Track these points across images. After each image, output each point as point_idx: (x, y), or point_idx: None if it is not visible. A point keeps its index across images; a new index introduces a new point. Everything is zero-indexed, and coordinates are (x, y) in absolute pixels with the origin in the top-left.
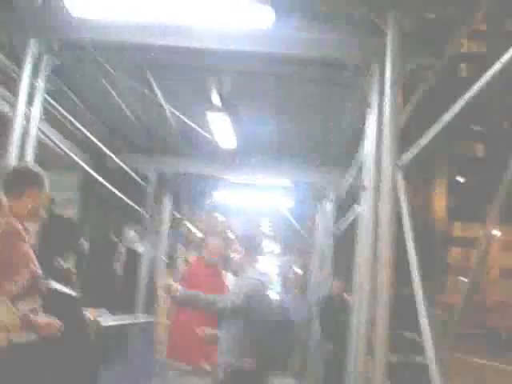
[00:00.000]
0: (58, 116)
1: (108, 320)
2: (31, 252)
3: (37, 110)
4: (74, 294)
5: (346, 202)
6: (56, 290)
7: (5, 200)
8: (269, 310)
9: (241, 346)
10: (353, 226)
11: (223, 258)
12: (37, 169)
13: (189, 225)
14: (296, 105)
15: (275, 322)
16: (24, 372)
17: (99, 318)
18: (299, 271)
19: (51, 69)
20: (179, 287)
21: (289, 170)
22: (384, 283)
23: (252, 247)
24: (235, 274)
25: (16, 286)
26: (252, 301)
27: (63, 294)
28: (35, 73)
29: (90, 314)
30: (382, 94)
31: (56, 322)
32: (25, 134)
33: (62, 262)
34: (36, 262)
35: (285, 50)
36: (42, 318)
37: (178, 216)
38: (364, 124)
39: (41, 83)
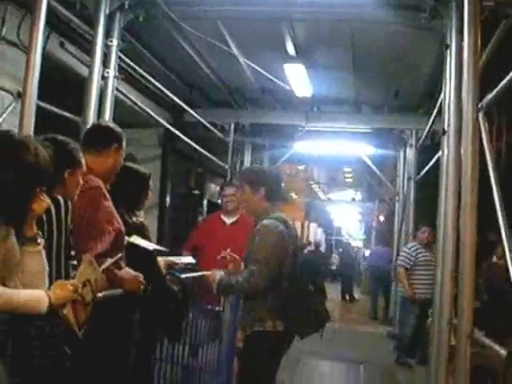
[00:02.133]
0: (135, 74)
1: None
2: (113, 209)
3: (112, 69)
4: (150, 247)
5: (428, 148)
6: (133, 245)
7: (84, 158)
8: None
9: (268, 308)
10: (435, 171)
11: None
12: (115, 127)
13: None
14: (372, 50)
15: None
16: (112, 325)
17: (178, 274)
18: (382, 218)
19: (124, 27)
20: (217, 275)
21: (368, 116)
22: (468, 229)
23: (270, 186)
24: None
25: (102, 243)
26: (284, 257)
27: (140, 247)
28: (108, 32)
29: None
30: (460, 34)
31: (139, 276)
32: (102, 94)
33: (133, 217)
34: (119, 219)
35: None
36: (127, 273)
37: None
38: (443, 67)
39: (115, 42)
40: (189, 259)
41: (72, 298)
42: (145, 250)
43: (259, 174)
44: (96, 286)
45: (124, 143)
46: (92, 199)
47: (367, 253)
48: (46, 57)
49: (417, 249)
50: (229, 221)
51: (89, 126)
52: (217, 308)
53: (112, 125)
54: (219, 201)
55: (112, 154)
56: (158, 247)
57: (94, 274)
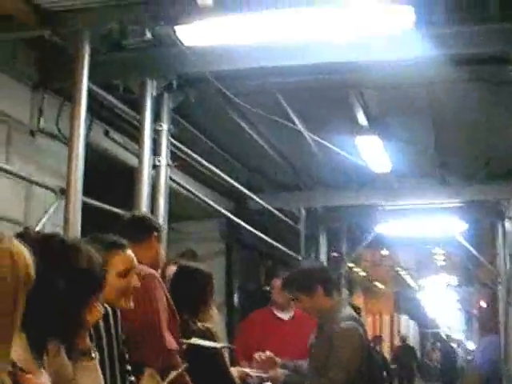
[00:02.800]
0: (189, 160)
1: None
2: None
3: (164, 157)
4: (215, 345)
5: None
6: (195, 347)
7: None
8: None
9: None
10: None
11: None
12: (152, 216)
13: (350, 264)
14: (454, 113)
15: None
16: None
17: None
18: (484, 305)
19: (174, 109)
20: (280, 370)
21: (456, 188)
22: None
23: (325, 279)
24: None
25: (163, 339)
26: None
27: (203, 347)
28: (157, 116)
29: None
30: None
31: None
32: (154, 184)
33: (198, 323)
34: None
35: (432, 51)
36: None
37: (336, 255)
38: None
39: (165, 126)
40: (263, 372)
41: None
42: (209, 348)
43: (306, 274)
44: None
45: (162, 232)
46: (147, 288)
47: (470, 345)
48: (90, 148)
49: None
50: (285, 316)
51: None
52: None
53: (148, 215)
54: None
55: (153, 242)
56: (223, 344)
57: None
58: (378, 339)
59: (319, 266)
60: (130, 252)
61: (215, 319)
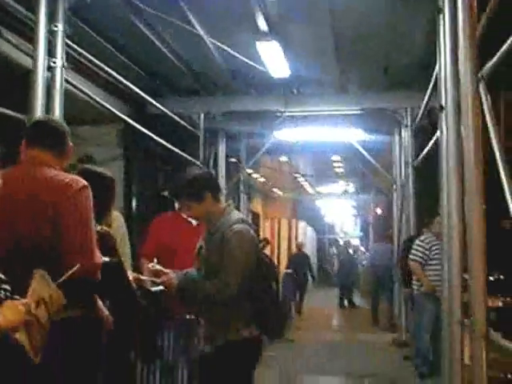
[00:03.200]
0: (86, 63)
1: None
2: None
3: (60, 59)
4: (114, 260)
5: (425, 128)
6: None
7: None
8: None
9: (243, 315)
10: (434, 154)
11: None
12: (57, 123)
13: (249, 170)
14: (356, 21)
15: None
16: (74, 349)
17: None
18: (379, 211)
19: (70, 8)
20: (172, 274)
21: (356, 96)
22: (475, 217)
23: (212, 186)
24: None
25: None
26: (256, 264)
27: (105, 263)
28: (52, 16)
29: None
30: None
31: (110, 319)
32: (50, 87)
33: (98, 226)
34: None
35: None
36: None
37: (235, 161)
38: (437, 35)
39: (60, 26)
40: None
41: (25, 320)
42: (110, 262)
43: (194, 182)
44: (52, 304)
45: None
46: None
47: (365, 251)
48: None
49: (430, 241)
50: (195, 221)
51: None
52: (187, 316)
53: (61, 124)
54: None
55: (67, 151)
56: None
57: (48, 290)
58: (265, 241)
59: (205, 173)
60: None
61: (117, 223)
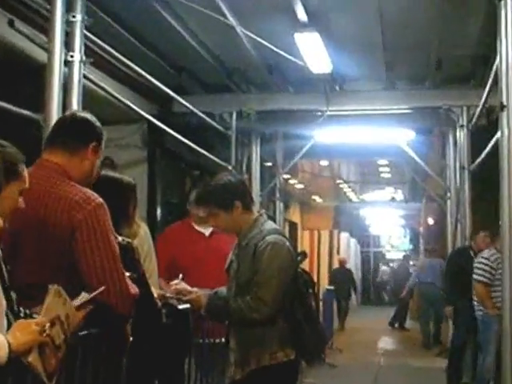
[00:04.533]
0: (107, 57)
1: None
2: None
3: (78, 52)
4: (134, 275)
5: (484, 129)
6: None
7: (53, 159)
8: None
9: (278, 336)
10: (493, 157)
11: None
12: (94, 120)
13: (286, 175)
14: (405, 10)
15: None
16: (91, 374)
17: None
18: (430, 221)
19: None
20: (201, 293)
21: (405, 93)
22: None
23: (242, 194)
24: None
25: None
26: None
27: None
28: (70, 5)
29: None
30: None
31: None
32: (67, 83)
33: (119, 238)
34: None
35: None
36: None
37: (270, 165)
38: (497, 23)
39: (78, 17)
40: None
41: (38, 342)
42: (131, 276)
43: (223, 188)
44: (68, 325)
45: (103, 142)
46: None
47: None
48: None
49: (496, 259)
50: (206, 231)
51: (58, 118)
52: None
53: (90, 117)
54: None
55: (89, 154)
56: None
57: (64, 308)
58: (303, 255)
59: (236, 180)
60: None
61: (141, 235)
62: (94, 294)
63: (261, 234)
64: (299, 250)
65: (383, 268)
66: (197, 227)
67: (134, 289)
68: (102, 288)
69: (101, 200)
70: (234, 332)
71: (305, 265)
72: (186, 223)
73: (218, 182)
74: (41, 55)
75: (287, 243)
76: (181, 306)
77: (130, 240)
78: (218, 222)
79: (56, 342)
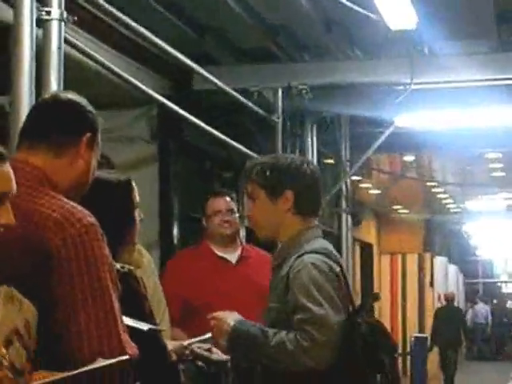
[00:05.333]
0: (97, 13)
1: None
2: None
3: (56, 7)
4: (146, 327)
5: None
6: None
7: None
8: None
9: None
10: None
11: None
12: (85, 103)
13: (355, 177)
14: None
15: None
16: None
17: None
18: None
19: None
20: (230, 317)
21: None
22: None
23: (302, 189)
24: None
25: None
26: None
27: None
28: None
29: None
30: None
31: None
32: (41, 50)
33: (116, 264)
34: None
35: None
36: None
37: (332, 162)
38: None
39: None
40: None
41: None
42: (141, 331)
43: (281, 169)
44: (29, 335)
45: (99, 134)
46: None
47: None
48: None
49: None
50: (232, 258)
51: (36, 103)
52: None
53: (79, 98)
54: (205, 223)
55: (83, 151)
56: (152, 326)
57: (20, 315)
58: (374, 297)
59: (303, 167)
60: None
61: (145, 265)
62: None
63: (300, 252)
64: (374, 281)
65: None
66: (218, 252)
67: (131, 348)
68: (122, 358)
69: (92, 219)
70: None
71: (384, 303)
72: (204, 247)
73: (280, 159)
74: (5, 12)
75: (335, 268)
76: (215, 357)
77: (131, 267)
78: (253, 208)
79: (17, 366)
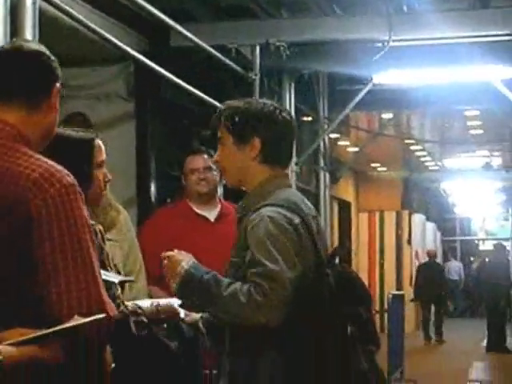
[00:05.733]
0: None
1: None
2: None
3: None
4: (116, 279)
5: None
6: None
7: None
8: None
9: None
10: None
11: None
12: (48, 52)
13: (334, 134)
14: None
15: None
16: None
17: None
18: None
19: None
20: (184, 260)
21: (501, 13)
22: None
23: (271, 135)
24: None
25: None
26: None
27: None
28: None
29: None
30: None
31: None
32: (15, 6)
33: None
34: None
35: None
36: None
37: (310, 119)
38: None
39: None
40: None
41: None
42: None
43: (251, 115)
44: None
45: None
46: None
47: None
48: None
49: None
50: (211, 215)
51: None
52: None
53: (41, 48)
54: (184, 182)
55: (55, 101)
56: (123, 278)
57: None
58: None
59: (272, 112)
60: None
61: (121, 223)
62: (60, 327)
63: (260, 204)
64: (352, 238)
65: (476, 265)
66: (197, 209)
67: (111, 309)
68: (98, 317)
69: (71, 179)
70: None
71: (361, 261)
72: (183, 205)
73: (249, 103)
74: None
75: (295, 220)
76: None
77: (97, 226)
78: (221, 154)
79: None
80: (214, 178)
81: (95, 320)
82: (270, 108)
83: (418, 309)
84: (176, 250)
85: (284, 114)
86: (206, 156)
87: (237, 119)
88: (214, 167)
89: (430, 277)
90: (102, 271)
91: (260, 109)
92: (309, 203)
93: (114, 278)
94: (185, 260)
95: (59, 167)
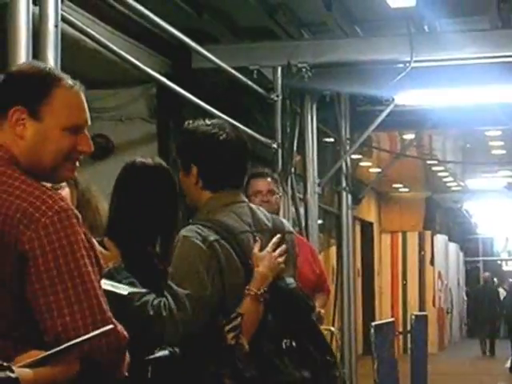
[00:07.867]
0: None
1: None
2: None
3: None
4: (125, 291)
5: None
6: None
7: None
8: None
9: None
10: None
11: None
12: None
13: (355, 155)
14: None
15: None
16: None
17: None
18: None
19: None
20: (112, 263)
21: None
22: None
23: (205, 161)
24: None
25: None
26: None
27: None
28: None
29: None
30: None
31: None
32: (37, 29)
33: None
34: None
35: None
36: None
37: (332, 140)
38: None
39: None
40: None
41: None
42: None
43: (188, 144)
44: None
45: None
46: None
47: None
48: None
49: None
50: None
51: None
52: None
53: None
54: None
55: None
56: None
57: None
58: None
59: (207, 134)
60: None
61: None
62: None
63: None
64: (375, 259)
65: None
66: None
67: (122, 330)
68: (105, 329)
69: (63, 203)
70: None
71: (384, 281)
72: None
73: (193, 130)
74: None
75: (210, 238)
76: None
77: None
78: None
79: None
80: (277, 201)
81: (103, 335)
82: (210, 132)
83: (441, 330)
84: (113, 249)
85: (224, 136)
86: (269, 179)
87: (179, 150)
88: (276, 190)
89: (484, 303)
90: (111, 282)
91: (199, 137)
92: (262, 217)
93: (124, 290)
94: (114, 260)
95: (50, 192)
